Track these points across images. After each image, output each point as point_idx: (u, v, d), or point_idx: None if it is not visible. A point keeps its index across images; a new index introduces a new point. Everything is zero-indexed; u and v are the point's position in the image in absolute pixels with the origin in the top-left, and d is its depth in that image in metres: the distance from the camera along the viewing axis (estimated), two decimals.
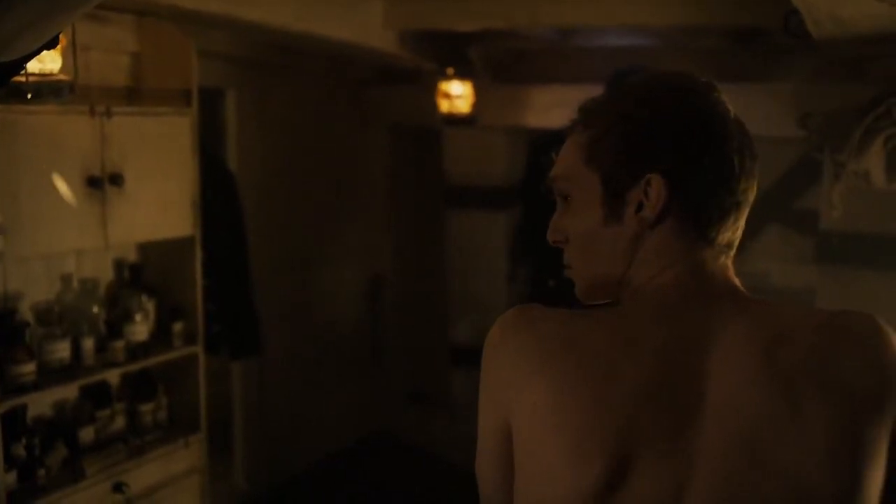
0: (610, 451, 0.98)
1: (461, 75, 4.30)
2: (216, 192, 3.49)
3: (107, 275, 3.12)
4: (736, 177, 1.07)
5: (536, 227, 3.06)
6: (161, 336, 3.11)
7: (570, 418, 1.00)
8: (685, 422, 0.99)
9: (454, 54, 4.28)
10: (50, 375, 2.67)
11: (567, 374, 1.02)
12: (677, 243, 1.08)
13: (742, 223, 1.11)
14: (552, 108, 4.19)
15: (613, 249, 1.10)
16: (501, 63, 4.72)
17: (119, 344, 2.88)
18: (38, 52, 1.56)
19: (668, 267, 1.08)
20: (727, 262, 1.11)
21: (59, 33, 1.56)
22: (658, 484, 0.99)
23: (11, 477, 2.52)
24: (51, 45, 1.55)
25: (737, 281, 1.11)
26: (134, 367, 2.97)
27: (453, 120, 4.38)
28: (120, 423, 3.04)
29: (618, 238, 1.10)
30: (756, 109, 1.13)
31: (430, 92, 4.37)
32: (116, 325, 2.92)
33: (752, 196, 1.10)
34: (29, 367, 2.56)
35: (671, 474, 0.99)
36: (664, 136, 1.07)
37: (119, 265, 3.13)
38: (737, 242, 1.12)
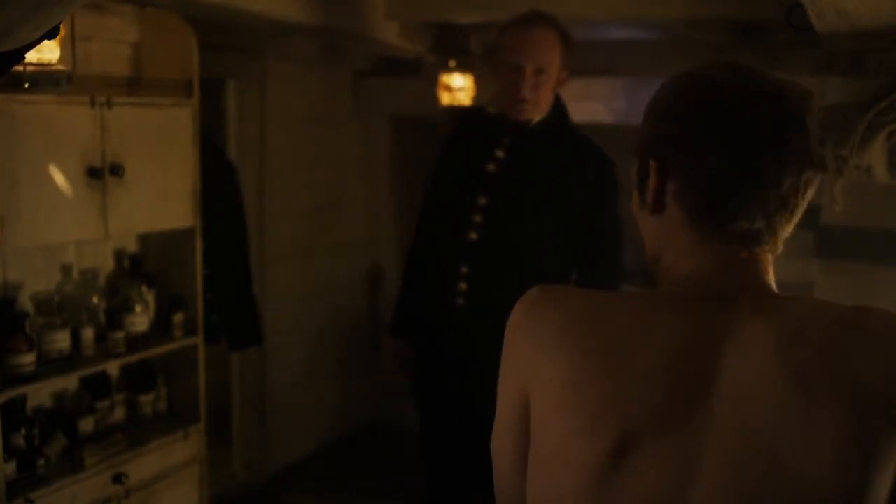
0: (617, 430, 1.00)
1: (462, 67, 4.29)
2: (216, 182, 3.49)
3: (107, 265, 3.12)
4: (753, 167, 1.04)
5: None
6: (161, 327, 3.11)
7: (582, 396, 1.02)
8: (694, 411, 1.00)
9: (455, 46, 4.27)
10: (50, 366, 2.67)
11: (584, 352, 1.03)
12: (690, 234, 1.08)
13: (780, 216, 1.07)
14: None
15: (645, 234, 1.15)
16: None
17: (119, 335, 2.88)
18: (38, 42, 1.55)
19: (685, 257, 1.09)
20: (752, 254, 1.08)
21: (59, 23, 1.55)
22: (664, 469, 0.99)
23: (11, 467, 2.52)
24: (52, 34, 1.55)
25: (761, 273, 1.09)
26: (134, 357, 2.97)
27: None
28: (119, 413, 3.04)
29: (644, 224, 1.14)
30: None
31: (431, 83, 4.36)
32: (116, 315, 2.91)
33: (788, 187, 1.05)
34: (29, 358, 2.56)
35: (678, 461, 0.99)
36: (666, 124, 1.09)
37: (119, 256, 3.13)
38: (770, 235, 1.08)
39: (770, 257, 1.10)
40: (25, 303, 2.77)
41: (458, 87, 4.29)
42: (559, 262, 2.84)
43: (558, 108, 2.90)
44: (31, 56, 2.30)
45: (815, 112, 1.08)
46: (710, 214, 1.07)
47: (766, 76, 1.08)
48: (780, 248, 1.11)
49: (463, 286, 2.86)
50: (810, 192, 1.09)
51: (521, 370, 1.09)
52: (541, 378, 1.06)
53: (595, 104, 4.23)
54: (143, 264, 3.15)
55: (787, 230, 1.10)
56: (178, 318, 3.09)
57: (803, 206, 1.09)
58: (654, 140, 1.10)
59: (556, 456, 1.04)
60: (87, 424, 2.87)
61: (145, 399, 3.09)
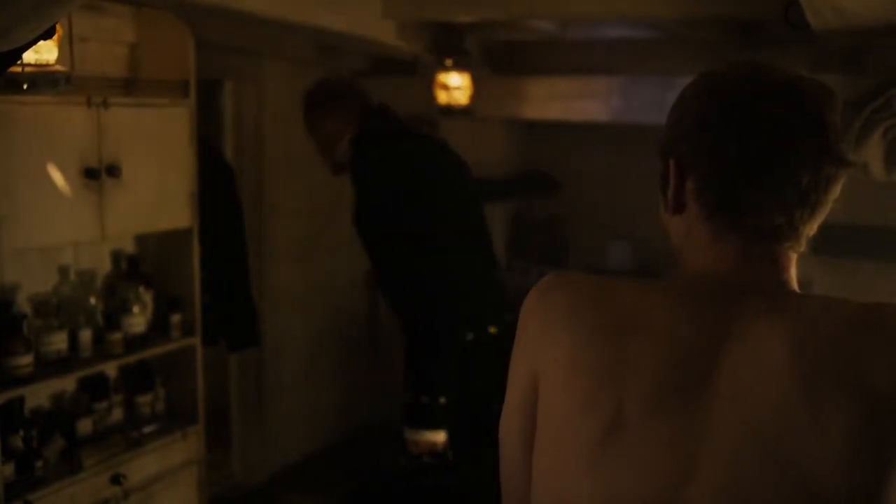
0: (609, 413, 1.01)
1: (459, 66, 4.28)
2: (214, 183, 3.48)
3: (104, 266, 3.11)
4: (765, 163, 1.04)
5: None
6: (159, 328, 3.11)
7: (581, 377, 1.04)
8: (690, 408, 0.99)
9: (452, 45, 4.27)
10: (47, 367, 2.67)
11: (587, 334, 1.05)
12: (706, 230, 1.09)
13: (800, 212, 1.06)
14: (550, 99, 4.19)
15: (670, 235, 1.16)
16: (499, 54, 4.71)
17: (116, 336, 2.88)
18: (34, 43, 1.55)
19: (701, 253, 1.10)
20: (770, 251, 1.07)
21: (55, 23, 1.55)
22: (657, 461, 0.99)
23: (9, 469, 2.52)
24: (47, 35, 1.54)
25: (779, 270, 1.08)
26: (131, 358, 2.97)
27: (451, 111, 4.36)
28: (117, 414, 3.04)
29: (669, 224, 1.15)
30: None
31: (428, 83, 4.36)
32: (114, 316, 2.91)
33: (807, 183, 1.04)
34: (26, 359, 2.56)
35: (673, 455, 0.99)
36: (683, 124, 1.10)
37: (116, 257, 3.12)
38: (792, 231, 1.07)
39: (792, 254, 1.09)
40: (23, 304, 2.77)
41: (455, 86, 4.28)
42: (405, 277, 2.94)
43: (354, 147, 2.94)
44: (30, 57, 2.29)
45: (837, 108, 1.08)
46: (723, 211, 1.07)
47: (782, 74, 1.09)
48: (804, 244, 1.09)
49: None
50: (834, 188, 1.08)
51: (530, 352, 1.11)
52: (547, 359, 1.08)
53: (593, 102, 4.23)
54: (141, 265, 3.14)
55: (811, 227, 1.09)
56: (175, 318, 3.09)
57: (827, 201, 1.08)
58: (673, 140, 1.11)
59: (558, 436, 1.05)
60: (85, 425, 2.86)
61: (143, 400, 3.09)
